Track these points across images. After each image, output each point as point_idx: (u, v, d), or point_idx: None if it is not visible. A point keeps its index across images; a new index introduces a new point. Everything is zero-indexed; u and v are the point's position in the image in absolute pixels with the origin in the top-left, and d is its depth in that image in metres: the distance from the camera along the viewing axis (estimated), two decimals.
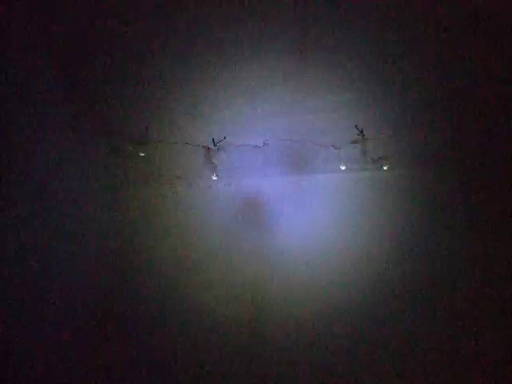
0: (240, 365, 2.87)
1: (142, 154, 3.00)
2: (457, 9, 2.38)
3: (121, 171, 3.10)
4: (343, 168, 2.97)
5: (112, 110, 2.96)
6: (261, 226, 3.05)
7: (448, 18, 2.44)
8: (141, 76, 2.80)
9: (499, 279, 2.76)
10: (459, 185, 2.97)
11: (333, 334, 2.84)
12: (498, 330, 2.70)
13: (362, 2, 2.44)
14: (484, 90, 2.77)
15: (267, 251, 3.03)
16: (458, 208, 2.95)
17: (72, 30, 2.55)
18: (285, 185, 3.05)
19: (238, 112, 2.88)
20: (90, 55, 2.71)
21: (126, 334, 2.93)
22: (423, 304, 2.80)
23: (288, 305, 2.90)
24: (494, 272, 2.78)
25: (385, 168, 2.97)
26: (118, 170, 3.11)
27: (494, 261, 2.80)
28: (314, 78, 2.76)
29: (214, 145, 2.96)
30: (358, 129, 2.87)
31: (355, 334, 2.83)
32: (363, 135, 2.88)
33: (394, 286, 2.84)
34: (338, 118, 2.89)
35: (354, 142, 2.92)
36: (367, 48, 2.63)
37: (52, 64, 2.69)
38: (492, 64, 2.68)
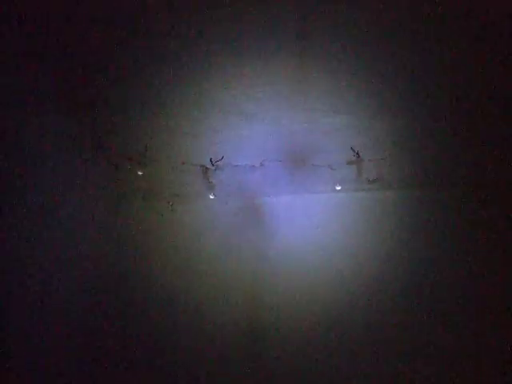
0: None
1: (140, 173, 3.04)
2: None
3: (119, 190, 3.14)
4: (339, 188, 3.00)
5: (112, 128, 3.02)
6: (257, 245, 3.07)
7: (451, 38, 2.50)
8: (141, 95, 2.87)
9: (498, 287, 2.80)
10: (455, 206, 3.00)
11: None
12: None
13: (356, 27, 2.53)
14: (485, 109, 2.82)
15: (263, 269, 3.04)
16: (454, 230, 2.97)
17: (72, 45, 2.63)
18: (281, 204, 3.08)
19: (235, 133, 2.94)
20: (90, 71, 2.78)
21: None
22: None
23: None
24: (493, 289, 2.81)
25: (381, 188, 3.00)
26: (116, 189, 3.15)
27: (493, 281, 2.82)
28: (311, 100, 2.83)
29: (212, 164, 3.00)
30: (353, 150, 2.91)
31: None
32: (359, 156, 2.92)
33: (387, 309, 2.86)
34: (334, 140, 2.94)
35: (350, 162, 2.96)
36: (364, 71, 2.71)
37: (51, 78, 2.75)
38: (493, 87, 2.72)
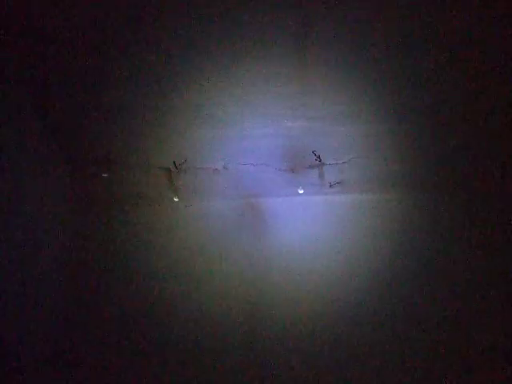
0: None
1: (104, 175, 3.04)
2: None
3: (84, 192, 3.13)
4: (301, 192, 3.05)
5: (76, 131, 3.01)
6: (221, 248, 3.10)
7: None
8: (105, 99, 2.86)
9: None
10: (418, 209, 3.07)
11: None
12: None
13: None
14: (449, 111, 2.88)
15: (226, 273, 3.07)
16: (415, 232, 3.04)
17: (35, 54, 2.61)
18: (244, 207, 3.10)
19: (199, 136, 2.96)
20: (52, 76, 2.76)
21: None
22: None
23: None
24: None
25: (342, 192, 3.05)
26: (81, 191, 3.14)
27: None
28: (273, 105, 2.86)
29: (176, 167, 3.02)
30: (315, 154, 2.96)
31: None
32: (320, 160, 2.97)
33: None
34: (296, 144, 2.98)
35: (312, 166, 3.00)
36: (324, 77, 2.75)
37: (14, 85, 2.72)
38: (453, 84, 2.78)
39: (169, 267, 3.09)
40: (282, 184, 3.05)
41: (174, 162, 3.00)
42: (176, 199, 3.10)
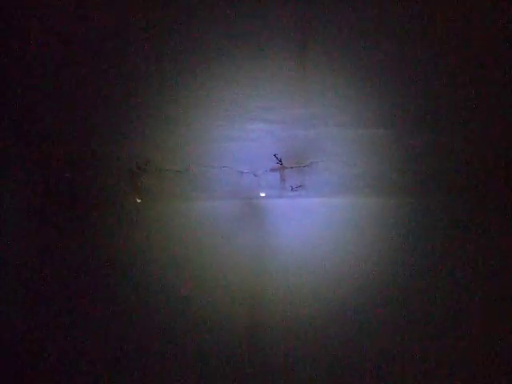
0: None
1: (67, 175, 3.05)
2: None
3: (47, 192, 3.14)
4: (263, 195, 3.07)
5: (40, 131, 3.03)
6: (183, 249, 3.10)
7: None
8: (67, 100, 2.89)
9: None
10: (380, 213, 3.10)
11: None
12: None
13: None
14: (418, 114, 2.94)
15: (187, 277, 3.07)
16: (376, 236, 3.07)
17: None
18: (206, 210, 3.12)
19: (161, 137, 2.99)
20: (14, 74, 2.79)
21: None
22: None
23: None
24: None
25: (303, 195, 3.09)
26: (44, 192, 3.14)
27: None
28: (235, 107, 2.90)
29: (139, 168, 3.04)
30: (276, 158, 3.00)
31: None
32: (281, 163, 3.01)
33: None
34: (258, 147, 3.02)
35: (273, 170, 3.03)
36: (287, 79, 2.81)
37: None
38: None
39: (129, 268, 3.09)
40: (243, 187, 3.08)
41: (137, 163, 3.02)
42: (139, 200, 3.11)
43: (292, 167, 3.03)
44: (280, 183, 3.06)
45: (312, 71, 2.83)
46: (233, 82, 2.84)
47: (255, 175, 3.04)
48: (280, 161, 3.00)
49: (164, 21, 2.67)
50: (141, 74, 2.79)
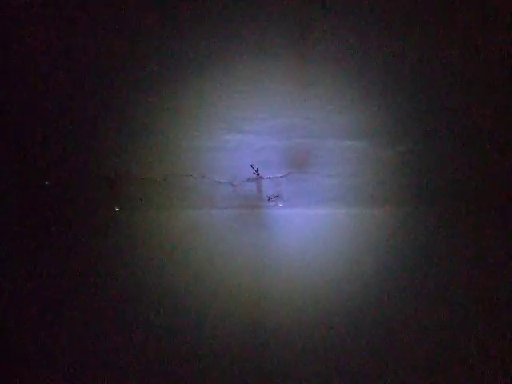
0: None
1: (46, 183, 3.09)
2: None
3: (25, 199, 3.17)
4: (240, 204, 3.10)
5: (19, 141, 3.09)
6: (161, 257, 3.11)
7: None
8: (46, 106, 2.96)
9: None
10: (356, 224, 3.12)
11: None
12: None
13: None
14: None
15: (164, 285, 3.07)
16: (352, 248, 3.08)
17: None
18: (184, 219, 3.14)
19: (139, 147, 3.04)
20: None
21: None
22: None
23: None
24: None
25: (280, 205, 3.11)
26: (21, 200, 3.18)
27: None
28: (212, 118, 2.97)
29: (117, 177, 3.08)
30: (253, 168, 3.04)
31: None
32: (258, 174, 3.04)
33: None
34: (235, 157, 3.07)
35: (250, 180, 3.07)
36: (259, 91, 2.88)
37: None
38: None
39: (107, 276, 3.09)
40: (220, 196, 3.11)
41: (116, 172, 3.07)
42: (117, 209, 3.14)
43: (269, 177, 3.07)
44: (257, 193, 3.09)
45: (289, 83, 2.91)
46: (210, 93, 2.91)
47: (232, 185, 3.08)
48: (257, 171, 3.04)
49: (148, 33, 2.76)
50: (118, 83, 2.86)
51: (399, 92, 2.90)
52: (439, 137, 3.00)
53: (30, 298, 3.08)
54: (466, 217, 3.12)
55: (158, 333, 2.94)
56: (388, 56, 2.85)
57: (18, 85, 2.85)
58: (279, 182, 3.07)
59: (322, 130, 2.99)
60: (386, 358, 2.82)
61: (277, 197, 3.10)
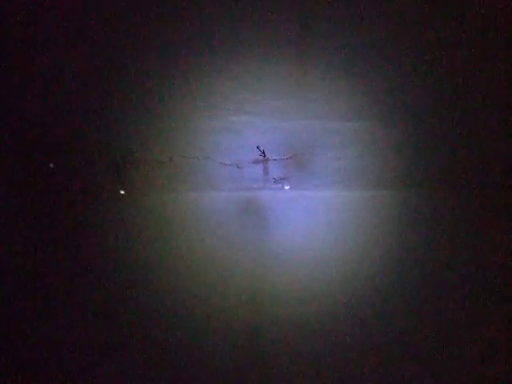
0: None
1: (50, 165, 3.06)
2: None
3: (29, 182, 3.15)
4: (246, 186, 3.07)
5: (23, 124, 3.05)
6: (167, 239, 3.09)
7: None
8: (50, 89, 2.92)
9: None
10: (364, 208, 3.10)
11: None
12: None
13: None
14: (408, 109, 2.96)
15: (171, 270, 3.06)
16: (358, 231, 3.06)
17: None
18: (189, 201, 3.12)
19: (144, 128, 3.00)
20: None
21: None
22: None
23: None
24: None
25: (286, 188, 3.08)
26: (26, 181, 3.15)
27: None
28: (218, 99, 2.93)
29: (122, 160, 3.05)
30: (259, 149, 3.00)
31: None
32: (264, 156, 3.01)
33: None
34: (241, 139, 3.03)
35: (256, 161, 3.04)
36: (265, 72, 2.84)
37: None
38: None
39: (114, 260, 3.07)
40: (226, 178, 3.08)
41: (121, 154, 3.03)
42: (122, 192, 3.11)
43: (275, 159, 3.03)
44: (263, 175, 3.06)
45: (296, 65, 2.86)
46: (217, 74, 2.87)
47: (238, 167, 3.05)
48: (263, 153, 3.01)
49: (150, 16, 2.71)
50: (124, 66, 2.82)
51: (410, 72, 2.85)
52: (446, 118, 2.97)
53: (31, 285, 3.07)
54: (473, 200, 3.09)
55: (161, 316, 2.94)
56: (392, 36, 2.81)
57: (23, 66, 2.81)
58: (286, 164, 3.04)
59: (330, 112, 2.95)
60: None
61: (283, 179, 3.07)
